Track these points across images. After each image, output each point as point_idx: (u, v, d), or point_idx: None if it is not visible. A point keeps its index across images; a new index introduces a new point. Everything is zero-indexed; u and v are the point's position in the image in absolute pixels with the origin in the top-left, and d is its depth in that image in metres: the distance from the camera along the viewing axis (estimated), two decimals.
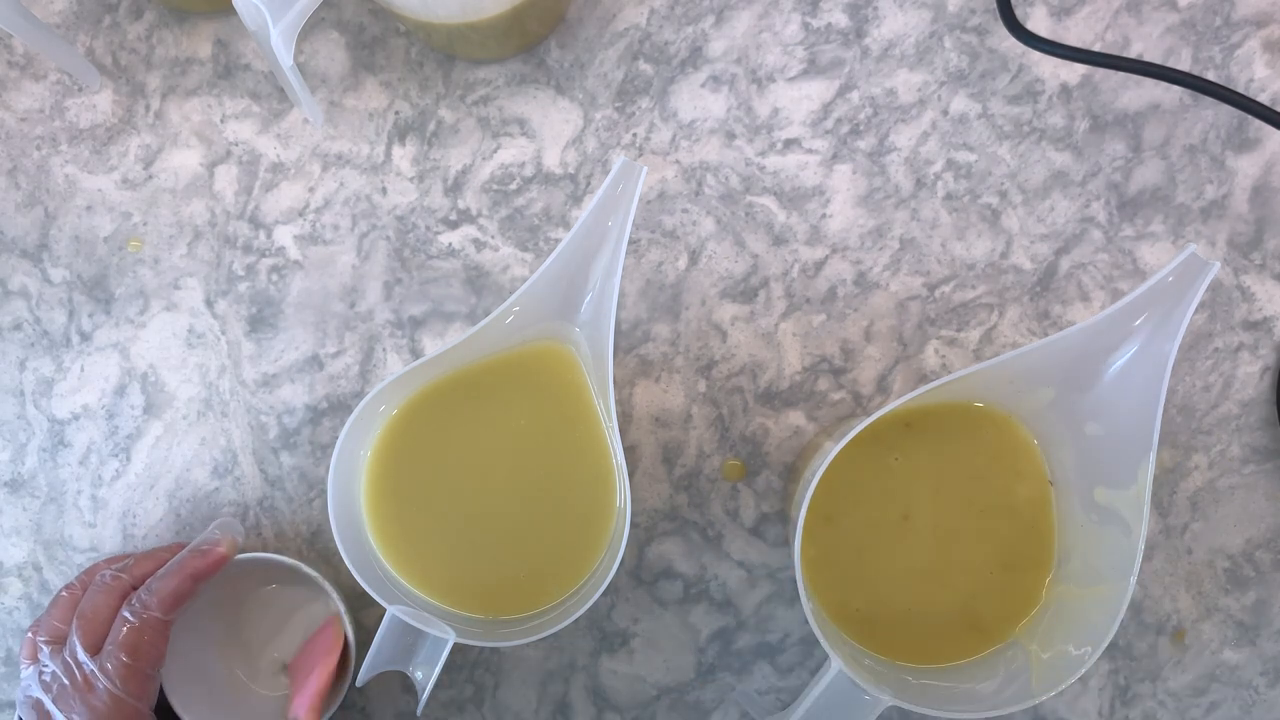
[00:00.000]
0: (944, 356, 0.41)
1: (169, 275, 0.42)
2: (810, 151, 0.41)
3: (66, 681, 0.35)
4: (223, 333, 0.42)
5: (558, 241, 0.42)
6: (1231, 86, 0.40)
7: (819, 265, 0.41)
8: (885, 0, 0.41)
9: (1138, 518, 0.33)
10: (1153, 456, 0.33)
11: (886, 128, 0.41)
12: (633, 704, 0.43)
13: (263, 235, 0.42)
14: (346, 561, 0.34)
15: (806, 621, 0.34)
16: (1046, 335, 0.37)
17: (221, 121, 0.42)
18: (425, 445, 0.37)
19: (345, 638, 0.40)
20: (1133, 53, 0.41)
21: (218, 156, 0.42)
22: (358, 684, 0.36)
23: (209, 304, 0.42)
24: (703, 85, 0.42)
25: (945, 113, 0.41)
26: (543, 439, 0.38)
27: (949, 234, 0.41)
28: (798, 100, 0.41)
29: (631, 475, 0.41)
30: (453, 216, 0.42)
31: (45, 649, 0.37)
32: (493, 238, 0.42)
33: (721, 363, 0.42)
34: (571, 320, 0.36)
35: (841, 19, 0.41)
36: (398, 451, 0.37)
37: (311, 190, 0.42)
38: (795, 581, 0.34)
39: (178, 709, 0.39)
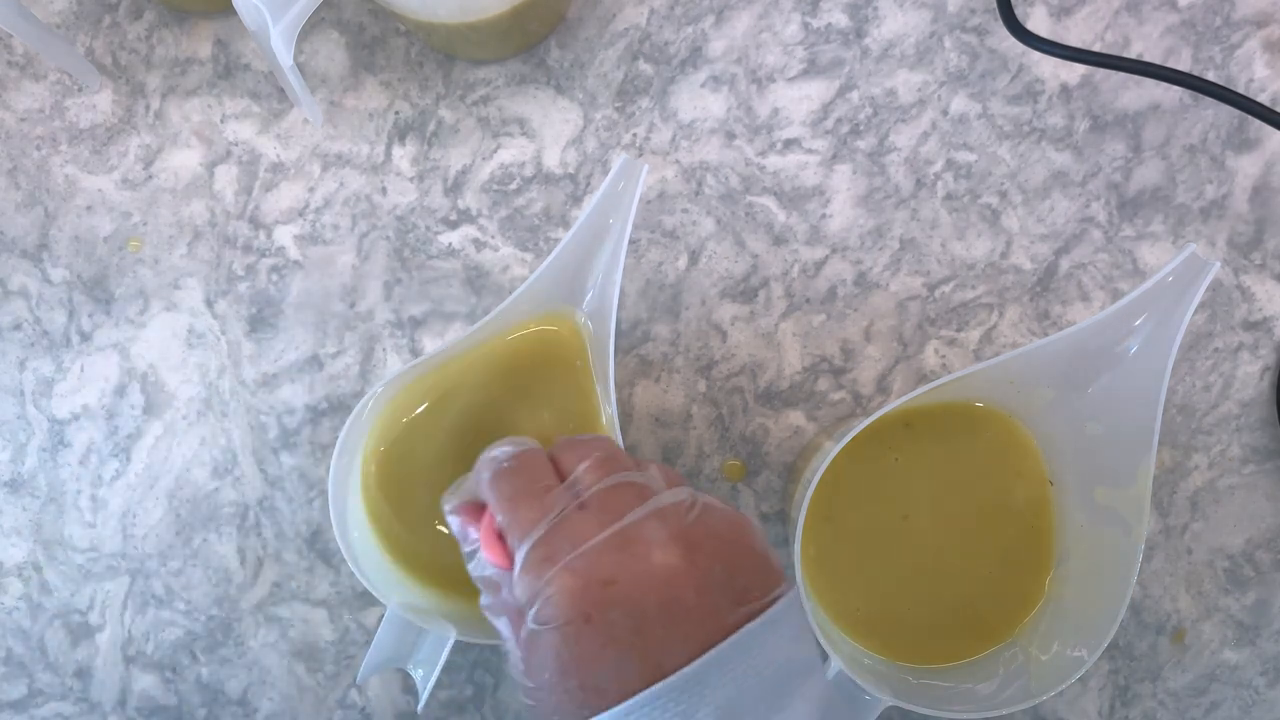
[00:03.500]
0: (944, 356, 0.41)
1: (169, 275, 0.42)
2: (810, 151, 0.41)
3: None
4: (223, 333, 0.42)
5: (558, 241, 0.42)
6: (1231, 86, 0.40)
7: (819, 265, 0.41)
8: (885, 0, 0.41)
9: (1138, 518, 0.34)
10: (1153, 456, 0.33)
11: (886, 128, 0.41)
12: None
13: (263, 235, 0.42)
14: (347, 560, 0.35)
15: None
16: (1046, 335, 0.37)
17: (221, 121, 0.42)
18: (425, 444, 0.37)
19: None
20: (1133, 53, 0.41)
21: (218, 156, 0.42)
22: (358, 682, 0.36)
23: (209, 304, 0.42)
24: (703, 85, 0.41)
25: (945, 113, 0.41)
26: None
27: (949, 234, 0.41)
28: (798, 100, 0.41)
29: None
30: (453, 216, 0.42)
31: None
32: (493, 238, 0.42)
33: (721, 363, 0.42)
34: (572, 320, 0.36)
35: (841, 19, 0.41)
36: (398, 451, 0.37)
37: (311, 190, 0.42)
38: (795, 582, 0.34)
39: None
